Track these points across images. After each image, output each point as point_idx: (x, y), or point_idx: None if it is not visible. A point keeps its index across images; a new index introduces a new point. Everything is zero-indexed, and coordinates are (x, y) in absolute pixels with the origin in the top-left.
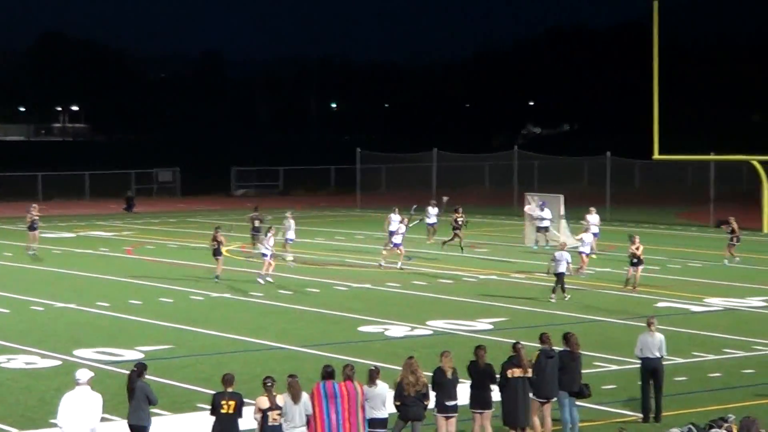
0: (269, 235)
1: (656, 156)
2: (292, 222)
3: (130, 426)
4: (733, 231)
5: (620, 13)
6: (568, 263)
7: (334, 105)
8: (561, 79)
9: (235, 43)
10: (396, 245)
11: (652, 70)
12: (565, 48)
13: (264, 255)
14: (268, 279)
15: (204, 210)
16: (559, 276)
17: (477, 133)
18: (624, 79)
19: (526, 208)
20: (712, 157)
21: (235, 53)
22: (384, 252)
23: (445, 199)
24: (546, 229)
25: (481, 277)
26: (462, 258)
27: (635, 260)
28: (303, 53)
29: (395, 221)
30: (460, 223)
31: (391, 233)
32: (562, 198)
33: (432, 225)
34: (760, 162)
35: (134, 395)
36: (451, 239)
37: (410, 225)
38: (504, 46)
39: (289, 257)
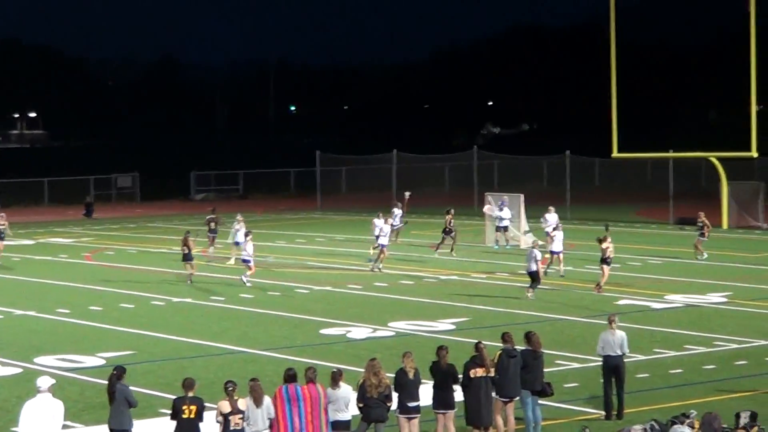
0: (247, 239)
1: (615, 154)
2: (242, 225)
3: (111, 430)
4: (704, 225)
5: (578, 12)
6: (537, 261)
7: (292, 108)
8: (519, 78)
9: (192, 48)
10: (382, 246)
11: (610, 68)
12: (524, 47)
13: (245, 261)
14: (249, 283)
15: (163, 215)
16: (534, 274)
17: (436, 133)
18: (582, 77)
19: (485, 208)
20: (670, 154)
21: (192, 57)
22: (370, 252)
23: (407, 194)
24: (506, 228)
25: (442, 277)
26: (423, 259)
27: (608, 259)
28: (261, 57)
29: (378, 225)
30: (451, 226)
31: (377, 237)
32: (522, 197)
33: (395, 226)
34: (719, 159)
35: (114, 398)
36: (451, 242)
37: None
38: (462, 46)
39: (231, 261)
